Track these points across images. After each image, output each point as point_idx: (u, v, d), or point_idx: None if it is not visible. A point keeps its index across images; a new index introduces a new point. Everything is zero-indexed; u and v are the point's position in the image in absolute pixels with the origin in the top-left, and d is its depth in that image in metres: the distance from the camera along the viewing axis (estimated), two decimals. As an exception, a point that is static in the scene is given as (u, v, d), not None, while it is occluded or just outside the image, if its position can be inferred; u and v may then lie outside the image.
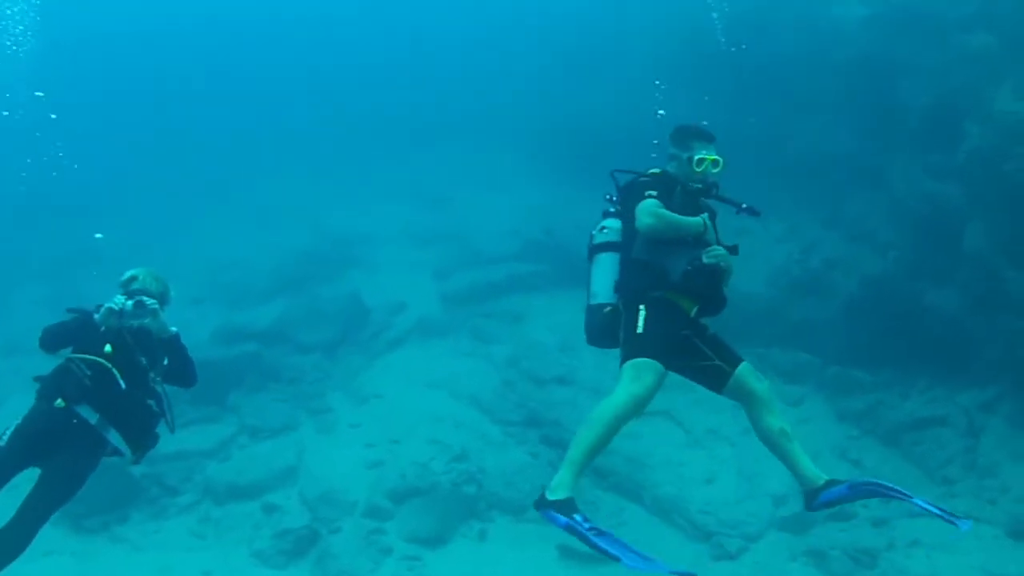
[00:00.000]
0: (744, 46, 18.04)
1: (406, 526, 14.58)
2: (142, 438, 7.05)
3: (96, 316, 7.01)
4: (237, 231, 24.98)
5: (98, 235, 22.87)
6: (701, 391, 13.43)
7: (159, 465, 15.50)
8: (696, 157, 6.62)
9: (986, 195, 14.94)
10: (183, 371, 7.45)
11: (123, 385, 6.89)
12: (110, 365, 6.86)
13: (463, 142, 29.78)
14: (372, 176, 28.94)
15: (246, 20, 35.49)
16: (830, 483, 6.13)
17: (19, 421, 6.70)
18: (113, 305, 7.00)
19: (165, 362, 7.25)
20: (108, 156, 29.19)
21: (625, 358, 6.03)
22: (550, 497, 5.57)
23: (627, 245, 6.42)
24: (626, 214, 6.41)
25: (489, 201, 25.85)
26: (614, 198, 6.70)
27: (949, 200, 16.10)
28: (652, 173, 6.64)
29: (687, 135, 6.81)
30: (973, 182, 15.30)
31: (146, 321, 7.09)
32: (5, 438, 6.60)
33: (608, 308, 6.35)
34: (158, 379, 7.20)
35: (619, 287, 6.36)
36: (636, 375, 5.91)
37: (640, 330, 6.08)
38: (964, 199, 15.76)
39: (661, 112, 8.94)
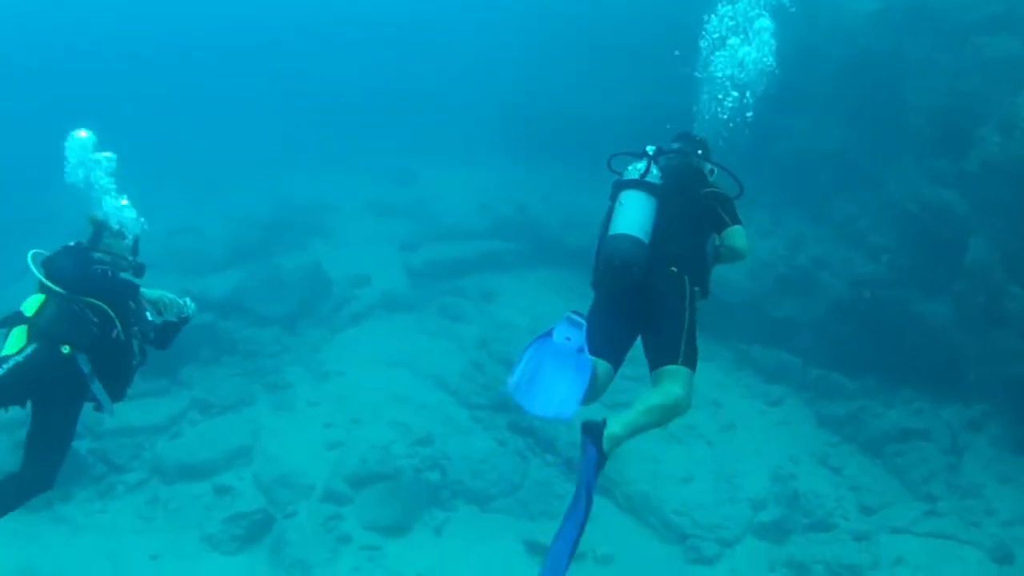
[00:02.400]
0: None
1: (366, 513, 13.74)
2: (122, 393, 6.95)
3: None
4: (192, 196, 23.86)
5: None
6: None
7: (106, 440, 14.61)
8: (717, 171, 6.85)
9: (999, 207, 14.30)
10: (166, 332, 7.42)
11: (123, 337, 6.79)
12: (114, 315, 6.70)
13: (427, 115, 29.09)
14: (334, 147, 28.15)
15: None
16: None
17: (18, 356, 6.31)
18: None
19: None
20: (59, 115, 28.17)
21: (688, 364, 5.79)
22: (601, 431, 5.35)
23: (699, 234, 6.35)
24: (713, 215, 6.45)
25: (456, 175, 25.25)
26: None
27: (952, 208, 15.55)
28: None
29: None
30: (984, 192, 14.65)
31: None
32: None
33: (673, 270, 6.01)
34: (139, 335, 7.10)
35: (688, 267, 6.08)
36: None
37: (697, 344, 5.92)
38: (969, 209, 15.16)
39: (677, 52, 8.78)
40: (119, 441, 14.66)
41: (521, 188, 23.05)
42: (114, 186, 7.32)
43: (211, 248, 21.38)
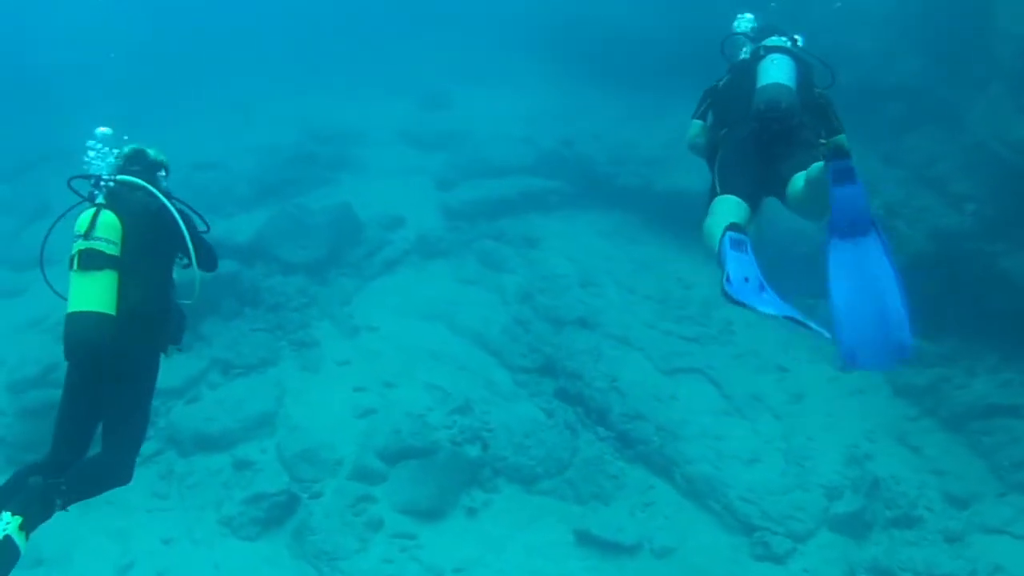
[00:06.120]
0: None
1: (398, 495, 12.61)
2: None
3: None
4: (214, 126, 22.33)
5: None
6: (741, 345, 13.54)
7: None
8: None
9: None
10: None
11: None
12: None
13: (464, 35, 27.27)
14: (364, 69, 26.55)
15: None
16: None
17: None
18: None
19: None
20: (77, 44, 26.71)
21: None
22: None
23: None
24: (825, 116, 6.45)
25: (494, 100, 23.59)
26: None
27: (1050, 153, 13.89)
28: None
29: None
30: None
31: None
32: None
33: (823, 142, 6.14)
34: None
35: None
36: None
37: None
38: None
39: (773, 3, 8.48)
40: (131, 406, 13.51)
41: (566, 118, 21.42)
42: None
43: (235, 185, 20.02)
